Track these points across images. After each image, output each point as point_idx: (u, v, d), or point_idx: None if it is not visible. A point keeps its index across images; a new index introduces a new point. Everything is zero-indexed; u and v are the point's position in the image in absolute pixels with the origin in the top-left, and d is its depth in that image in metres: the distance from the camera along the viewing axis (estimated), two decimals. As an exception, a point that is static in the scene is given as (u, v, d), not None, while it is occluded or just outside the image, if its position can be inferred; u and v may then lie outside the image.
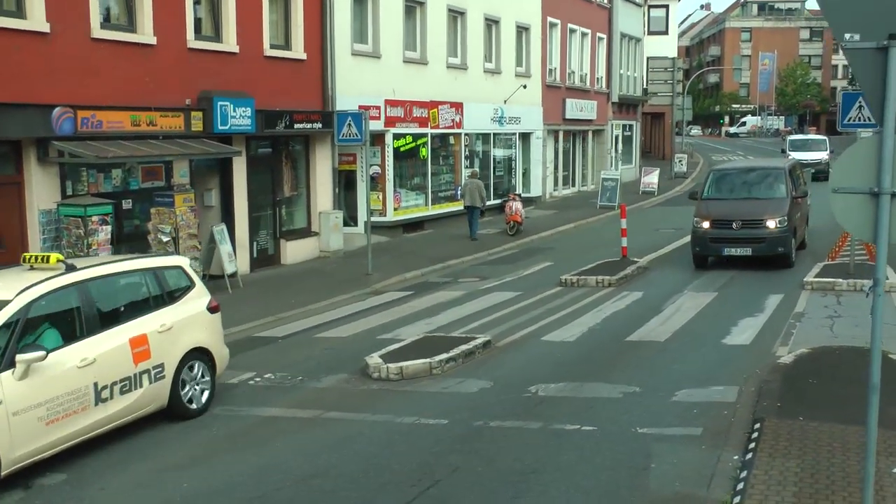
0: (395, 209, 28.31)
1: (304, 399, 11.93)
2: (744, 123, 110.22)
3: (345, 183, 26.30)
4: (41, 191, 16.91)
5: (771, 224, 20.13)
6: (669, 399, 10.98)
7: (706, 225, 20.50)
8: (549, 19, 38.34)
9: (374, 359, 12.96)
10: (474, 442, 9.82)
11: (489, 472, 8.91)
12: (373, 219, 26.55)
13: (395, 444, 9.89)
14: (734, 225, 20.33)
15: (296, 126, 22.75)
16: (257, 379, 13.00)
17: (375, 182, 27.33)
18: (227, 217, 21.29)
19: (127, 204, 18.78)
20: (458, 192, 30.28)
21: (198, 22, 20.62)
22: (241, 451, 9.95)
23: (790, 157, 32.92)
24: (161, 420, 11.05)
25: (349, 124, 21.67)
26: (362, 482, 8.80)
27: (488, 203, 30.44)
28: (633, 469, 8.80)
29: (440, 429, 10.32)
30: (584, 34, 42.25)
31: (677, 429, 9.86)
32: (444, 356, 12.92)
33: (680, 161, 49.31)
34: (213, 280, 19.70)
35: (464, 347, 13.40)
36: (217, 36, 21.12)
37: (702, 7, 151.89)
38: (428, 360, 12.77)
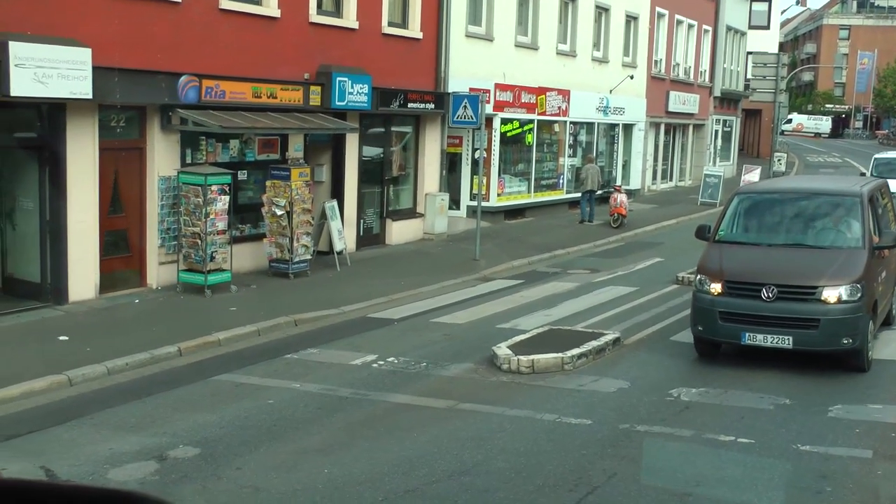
0: (499, 195, 27.87)
1: (434, 387, 11.59)
2: (789, 121, 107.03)
3: (448, 166, 25.93)
4: (162, 157, 16.82)
5: (831, 294, 12.02)
6: (825, 415, 10.41)
7: (716, 288, 12.50)
8: (658, 9, 37.53)
9: (502, 350, 12.57)
10: (624, 447, 9.39)
11: (649, 482, 8.48)
12: (475, 203, 26.27)
13: (539, 443, 9.50)
14: (765, 292, 12.14)
15: (409, 105, 22.43)
16: (381, 362, 12.70)
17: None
18: (337, 194, 21.06)
19: (242, 175, 18.63)
20: (576, 177, 30.26)
21: (319, -5, 20.41)
22: (381, 440, 9.63)
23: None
24: (297, 399, 10.83)
25: (465, 106, 21.28)
26: (516, 483, 8.42)
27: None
28: (807, 490, 8.30)
29: (585, 430, 9.89)
30: (690, 25, 41.30)
31: (843, 449, 9.31)
32: (575, 351, 12.48)
33: (779, 160, 48.02)
34: (321, 256, 19.52)
35: (594, 344, 12.95)
36: (338, 11, 20.87)
37: (797, 2, 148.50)
38: (560, 354, 12.35)
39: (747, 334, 12.19)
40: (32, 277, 15.59)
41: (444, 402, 10.90)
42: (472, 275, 19.85)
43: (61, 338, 13.47)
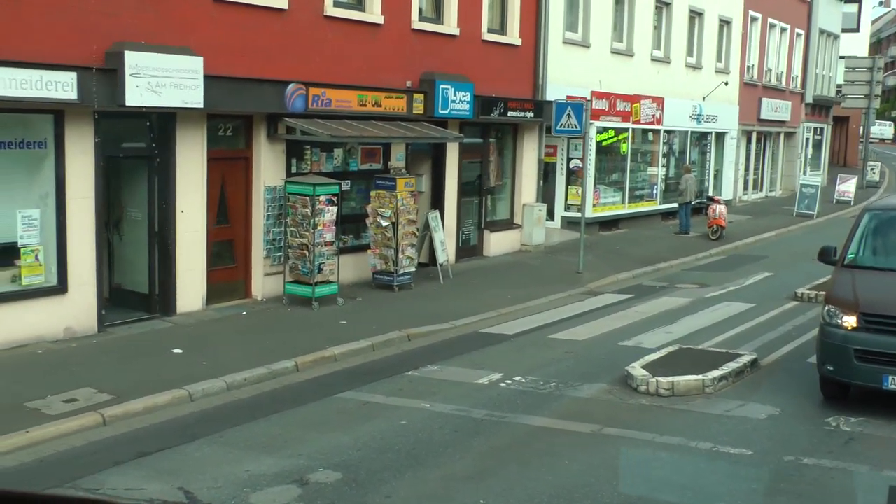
0: (594, 205, 27.20)
1: (571, 410, 11.01)
2: None
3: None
4: (268, 167, 16.50)
5: None
6: None
7: (850, 322, 10.86)
8: (751, 13, 36.57)
9: (637, 370, 11.96)
10: (798, 482, 8.73)
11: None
12: (570, 214, 25.71)
13: (703, 475, 8.92)
14: None
15: (509, 114, 21.89)
16: (508, 381, 12.16)
17: (575, 176, 26.33)
18: (436, 204, 20.60)
19: (345, 185, 18.22)
20: (676, 188, 29.39)
21: (420, 2, 19.94)
22: (531, 467, 9.10)
23: None
24: (430, 420, 10.34)
25: (568, 114, 20.66)
26: (692, 519, 7.82)
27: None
28: None
29: (747, 461, 9.25)
30: (783, 29, 40.24)
31: None
32: (715, 374, 11.83)
33: (872, 169, 46.73)
34: (422, 268, 19.06)
35: (732, 365, 12.28)
36: (438, 17, 20.43)
37: (880, 3, 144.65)
38: (700, 376, 11.70)
39: (890, 378, 10.44)
40: (140, 288, 15.32)
41: (586, 427, 10.32)
42: (577, 288, 19.25)
43: (175, 351, 13.15)
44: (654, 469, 8.98)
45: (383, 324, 15.00)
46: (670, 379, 11.54)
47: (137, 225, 15.29)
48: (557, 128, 21.01)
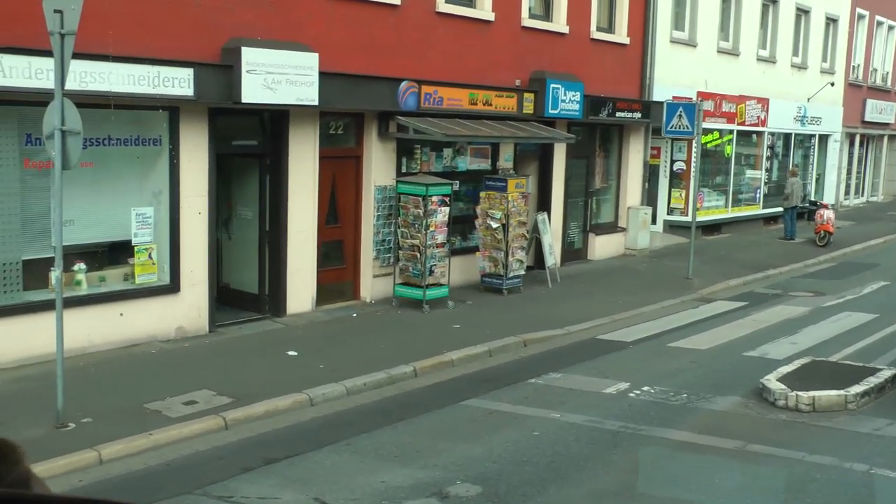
0: (698, 209, 26.40)
1: (708, 424, 10.45)
2: None
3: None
4: (378, 166, 16.19)
5: None
6: None
7: None
8: (858, 10, 35.38)
9: (773, 383, 11.34)
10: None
11: None
12: (673, 218, 25.04)
13: (865, 501, 8.27)
14: None
15: (617, 114, 21.32)
16: (636, 392, 11.64)
17: (678, 179, 25.65)
18: (543, 206, 20.11)
19: (454, 185, 17.81)
20: (781, 192, 28.47)
21: (530, -1, 19.53)
22: (683, 485, 8.60)
23: None
24: (563, 431, 9.88)
25: (680, 115, 20.01)
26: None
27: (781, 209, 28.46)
28: None
29: (913, 484, 8.62)
30: (890, 27, 38.88)
31: None
32: (858, 389, 11.16)
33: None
34: (528, 271, 18.58)
35: (874, 380, 11.58)
36: (548, 15, 19.95)
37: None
38: (842, 392, 11.05)
39: None
40: (249, 288, 15.11)
41: (730, 443, 9.76)
42: (689, 294, 18.61)
43: (290, 353, 12.87)
44: (813, 493, 8.38)
45: (497, 328, 14.58)
46: (811, 394, 10.90)
47: (247, 224, 15.08)
48: (668, 129, 20.38)
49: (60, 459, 8.92)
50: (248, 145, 14.74)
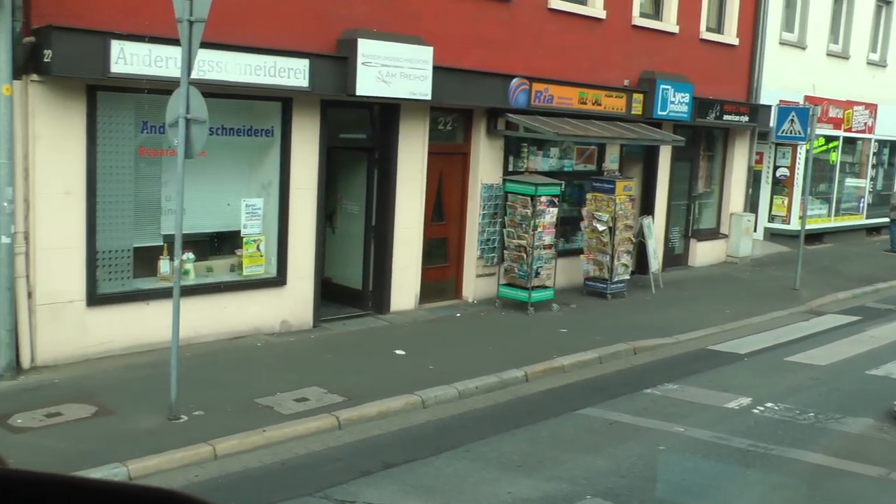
0: (800, 217, 25.62)
1: (843, 447, 9.91)
2: None
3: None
4: (486, 164, 15.86)
5: None
6: None
7: None
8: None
9: (911, 406, 10.76)
10: None
11: None
12: (774, 225, 24.34)
13: None
14: None
15: (724, 117, 20.71)
16: (760, 408, 11.14)
17: (781, 185, 24.90)
18: (646, 209, 19.61)
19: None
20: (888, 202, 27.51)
21: (640, -4, 19.03)
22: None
23: None
24: (689, 447, 9.44)
25: (792, 120, 19.36)
26: None
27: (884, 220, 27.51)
28: None
29: None
30: None
31: None
32: None
33: None
34: (631, 276, 18.09)
35: None
36: (658, 14, 19.42)
37: None
38: None
39: None
40: (352, 283, 14.89)
41: (871, 469, 9.21)
42: (797, 306, 17.96)
43: (398, 352, 12.60)
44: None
45: (605, 334, 14.16)
46: (956, 419, 10.32)
47: (353, 218, 14.86)
48: (779, 134, 19.74)
49: (176, 453, 8.76)
50: (357, 138, 14.52)
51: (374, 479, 8.45)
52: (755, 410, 11.01)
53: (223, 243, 13.23)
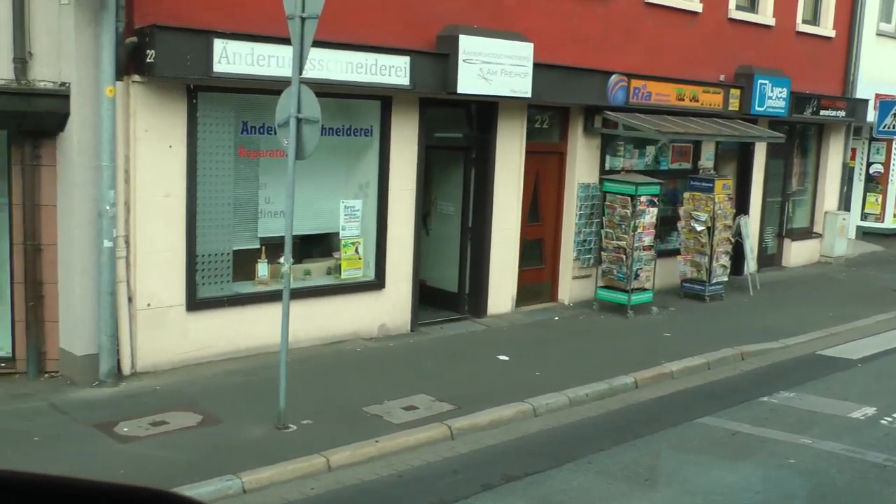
0: (894, 215, 24.83)
1: None
2: None
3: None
4: (582, 163, 15.43)
5: None
6: None
7: None
8: None
9: None
10: None
11: None
12: (867, 224, 23.58)
13: None
14: None
15: (821, 113, 20.02)
16: (888, 419, 10.59)
17: (875, 183, 24.10)
18: (740, 209, 18.94)
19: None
20: None
21: (735, -11, 18.44)
22: None
23: None
24: (821, 460, 8.94)
25: (895, 115, 18.59)
26: None
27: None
28: None
29: None
30: None
31: None
32: None
33: None
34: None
35: None
36: (753, 6, 18.80)
37: None
38: None
39: None
40: (447, 286, 14.55)
41: None
42: (905, 310, 17.25)
43: (501, 357, 12.24)
44: None
45: (709, 339, 13.67)
46: None
47: (448, 219, 14.52)
48: (880, 129, 19.07)
49: (289, 464, 8.48)
50: (453, 138, 14.15)
51: (497, 494, 8.09)
52: (883, 421, 10.46)
53: (320, 246, 12.97)
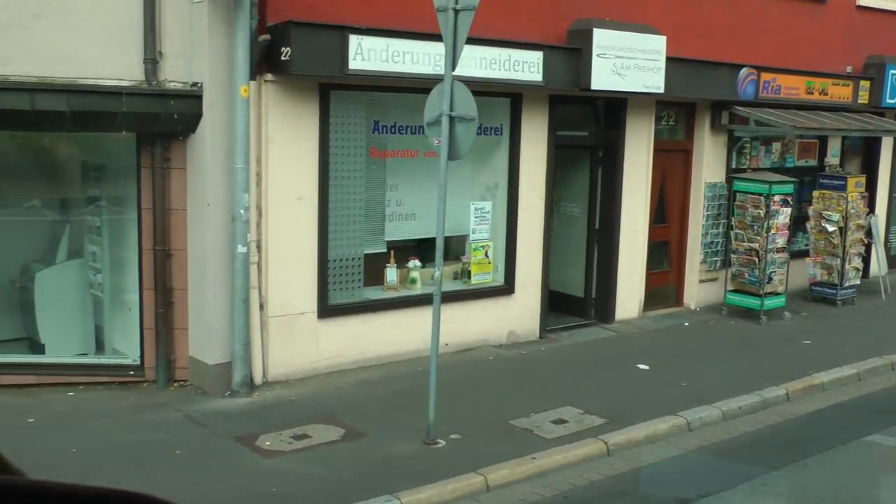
0: None
1: None
2: None
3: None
4: (709, 161, 14.78)
5: None
6: None
7: None
8: None
9: None
10: None
11: None
12: None
13: None
14: None
15: (948, 105, 19.02)
16: None
17: None
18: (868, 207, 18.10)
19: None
20: None
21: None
22: None
23: None
24: None
25: None
26: None
27: None
28: None
29: None
30: None
31: None
32: None
33: None
34: (853, 280, 16.67)
35: None
36: (881, -6, 17.91)
37: None
38: None
39: None
40: (571, 290, 13.99)
41: None
42: None
43: (640, 366, 11.65)
44: None
45: (853, 346, 12.91)
46: None
47: (573, 221, 13.95)
48: None
49: (447, 484, 8.02)
50: (580, 136, 13.57)
51: (676, 519, 7.52)
52: None
53: (445, 249, 12.46)
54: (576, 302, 13.83)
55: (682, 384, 10.92)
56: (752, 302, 14.17)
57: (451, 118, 8.44)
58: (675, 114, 14.49)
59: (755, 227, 14.03)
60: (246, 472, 8.07)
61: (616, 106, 13.32)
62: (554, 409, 9.90)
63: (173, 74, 10.04)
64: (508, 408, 9.86)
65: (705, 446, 9.36)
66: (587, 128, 13.58)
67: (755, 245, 14.03)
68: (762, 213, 13.92)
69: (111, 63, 9.82)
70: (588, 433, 9.25)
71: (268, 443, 8.77)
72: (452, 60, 8.40)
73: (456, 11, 8.26)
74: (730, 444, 9.47)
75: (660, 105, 13.96)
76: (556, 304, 13.72)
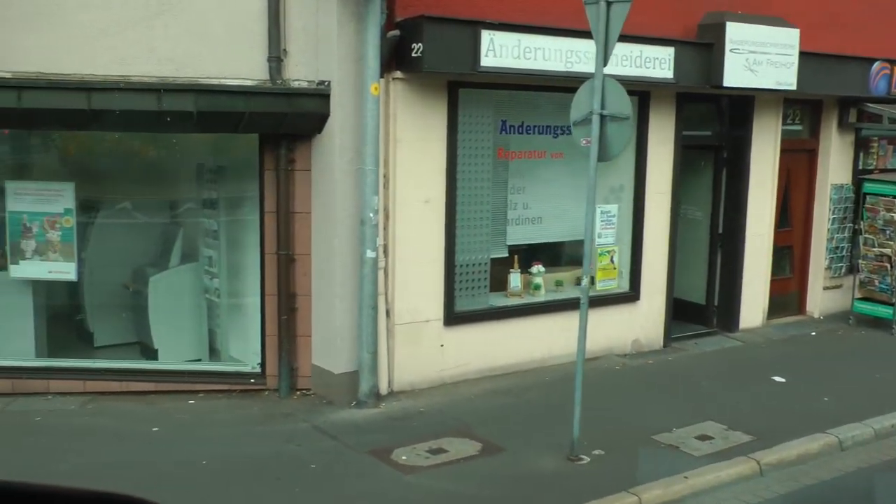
0: None
1: None
2: None
3: None
4: (835, 162, 14.10)
5: None
6: None
7: None
8: None
9: None
10: None
11: None
12: None
13: None
14: None
15: None
16: None
17: None
18: None
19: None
20: None
21: None
22: None
23: None
24: None
25: None
26: None
27: None
28: None
29: None
30: None
31: None
32: None
33: None
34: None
35: None
36: None
37: None
38: None
39: None
40: (693, 297, 13.43)
41: None
42: None
43: (776, 379, 11.07)
44: None
45: None
46: None
47: (695, 225, 13.39)
48: None
49: (599, 504, 7.53)
50: (703, 136, 13.00)
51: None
52: None
53: (567, 254, 12.03)
54: (697, 309, 13.28)
55: (825, 399, 10.34)
56: (882, 311, 13.48)
57: (602, 117, 7.96)
58: (801, 111, 13.84)
59: (887, 232, 13.35)
60: (387, 489, 7.70)
61: (742, 104, 12.74)
62: (695, 423, 9.39)
63: (297, 73, 9.71)
64: (648, 421, 9.38)
65: (864, 468, 8.78)
66: (712, 127, 13.02)
67: (887, 251, 13.34)
68: (895, 216, 13.22)
69: (234, 62, 9.52)
70: (737, 451, 8.72)
71: (404, 457, 8.39)
72: (604, 56, 7.94)
73: (609, 4, 7.81)
74: (890, 466, 8.88)
75: (786, 103, 13.33)
76: (676, 312, 13.16)
